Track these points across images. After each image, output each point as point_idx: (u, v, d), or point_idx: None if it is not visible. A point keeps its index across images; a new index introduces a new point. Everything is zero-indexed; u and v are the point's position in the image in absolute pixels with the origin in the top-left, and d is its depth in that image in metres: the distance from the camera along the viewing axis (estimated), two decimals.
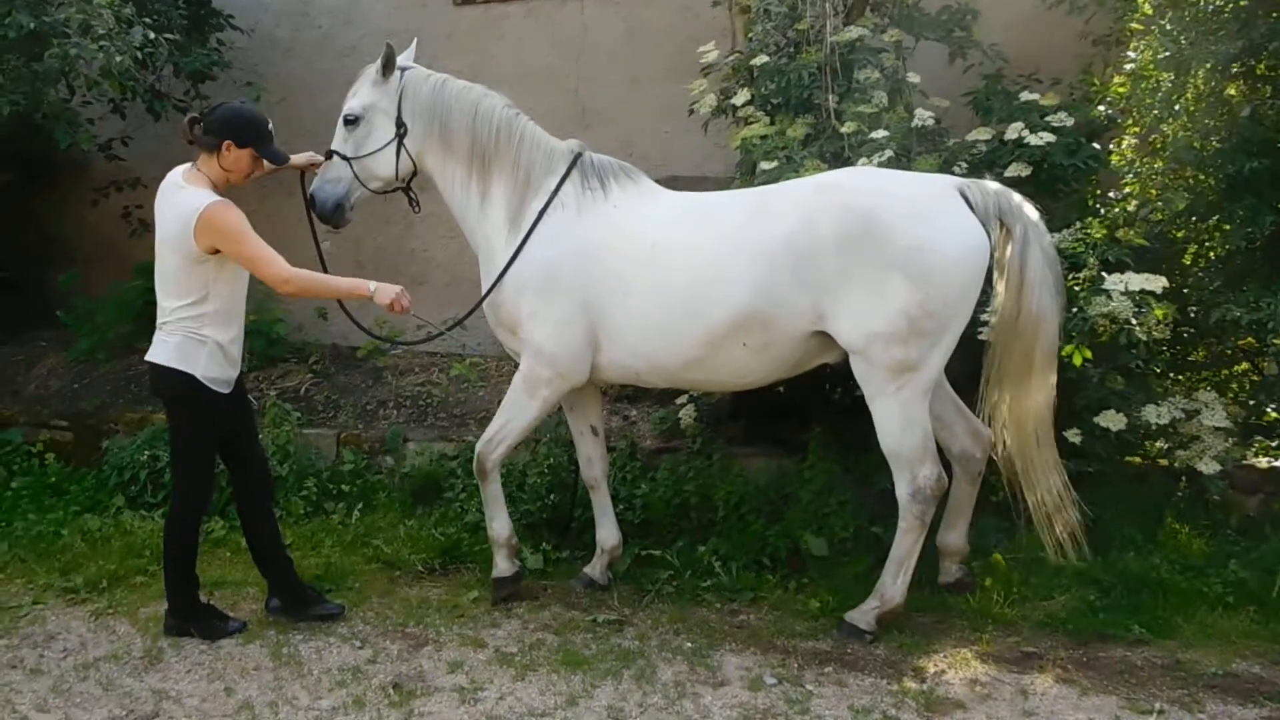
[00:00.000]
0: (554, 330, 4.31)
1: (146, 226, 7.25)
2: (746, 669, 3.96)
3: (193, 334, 4.04)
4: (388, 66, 4.40)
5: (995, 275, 4.02)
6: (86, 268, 7.70)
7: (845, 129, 4.82)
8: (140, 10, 6.27)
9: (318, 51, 7.56)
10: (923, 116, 4.81)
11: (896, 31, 5.08)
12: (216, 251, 3.97)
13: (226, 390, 4.16)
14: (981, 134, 4.88)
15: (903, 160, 4.77)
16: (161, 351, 4.08)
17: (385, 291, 4.09)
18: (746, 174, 5.19)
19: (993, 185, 4.09)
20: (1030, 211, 4.00)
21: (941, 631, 4.24)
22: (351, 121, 4.44)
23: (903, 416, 3.97)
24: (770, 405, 5.30)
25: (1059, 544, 4.12)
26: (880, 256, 3.86)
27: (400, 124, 4.41)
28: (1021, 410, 4.06)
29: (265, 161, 4.18)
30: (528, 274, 4.33)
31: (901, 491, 4.05)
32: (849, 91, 4.96)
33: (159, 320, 4.13)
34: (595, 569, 4.75)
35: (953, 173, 4.79)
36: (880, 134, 4.69)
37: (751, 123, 5.08)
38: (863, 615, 4.18)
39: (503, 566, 4.60)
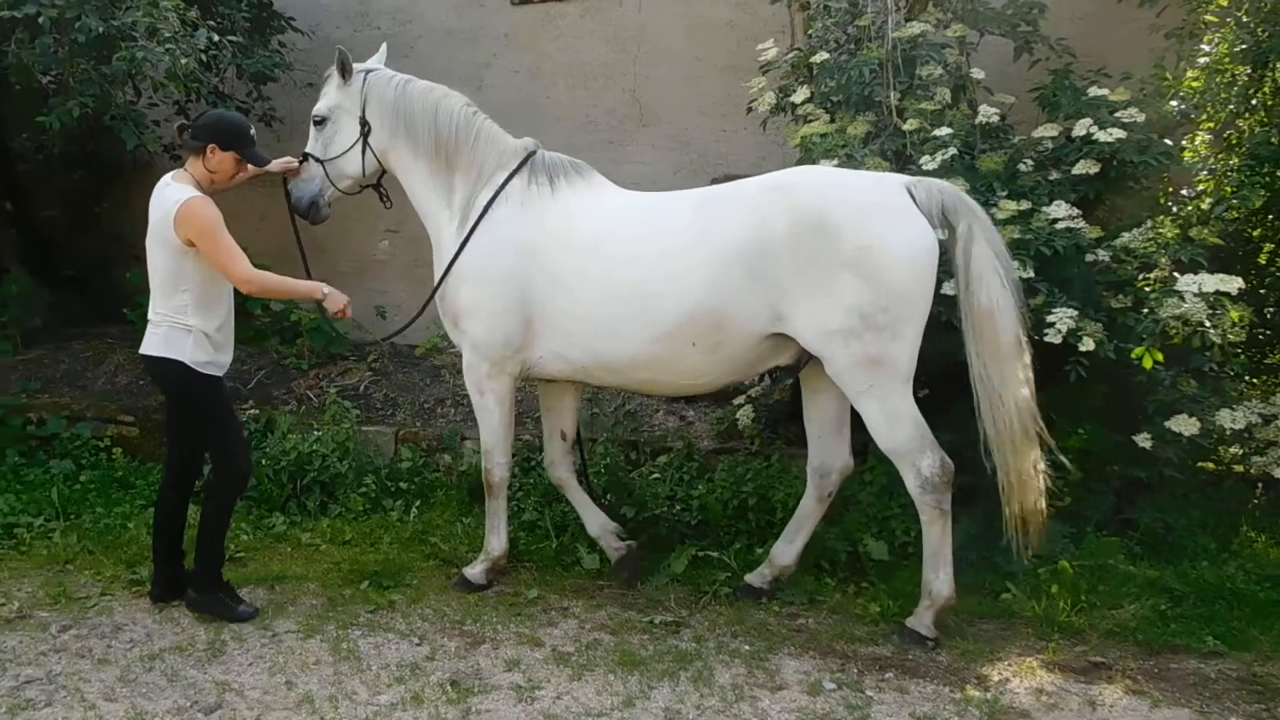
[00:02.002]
0: (489, 322, 4.43)
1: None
2: (805, 673, 3.91)
3: (178, 324, 4.26)
4: (344, 70, 4.58)
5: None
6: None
7: (907, 126, 4.75)
8: (205, 13, 6.39)
9: (376, 52, 7.62)
10: (987, 113, 4.73)
11: (960, 26, 4.99)
12: (192, 244, 4.19)
13: (219, 372, 4.38)
14: (1048, 130, 4.78)
15: (965, 158, 4.69)
16: (151, 343, 4.31)
17: (335, 299, 4.40)
18: None
19: (938, 183, 4.07)
20: (976, 208, 3.99)
21: (1005, 639, 4.16)
22: (319, 122, 4.67)
23: (886, 413, 3.97)
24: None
25: (1025, 545, 4.04)
26: (830, 257, 3.89)
27: (364, 123, 4.59)
28: (995, 405, 3.96)
29: (248, 164, 4.42)
30: (467, 265, 4.47)
31: (911, 485, 4.03)
32: (911, 88, 4.88)
33: (149, 315, 4.35)
34: (610, 541, 4.81)
35: (1017, 170, 4.71)
36: (943, 131, 4.62)
37: (811, 120, 5.02)
38: (919, 620, 4.14)
39: (478, 574, 4.71)
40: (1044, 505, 4.03)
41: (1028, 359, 3.95)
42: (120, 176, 7.91)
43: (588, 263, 4.25)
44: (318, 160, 4.66)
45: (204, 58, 6.05)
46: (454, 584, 4.73)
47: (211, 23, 6.33)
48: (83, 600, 4.58)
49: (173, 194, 4.22)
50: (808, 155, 4.90)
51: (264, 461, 5.77)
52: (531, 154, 4.55)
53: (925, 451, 3.98)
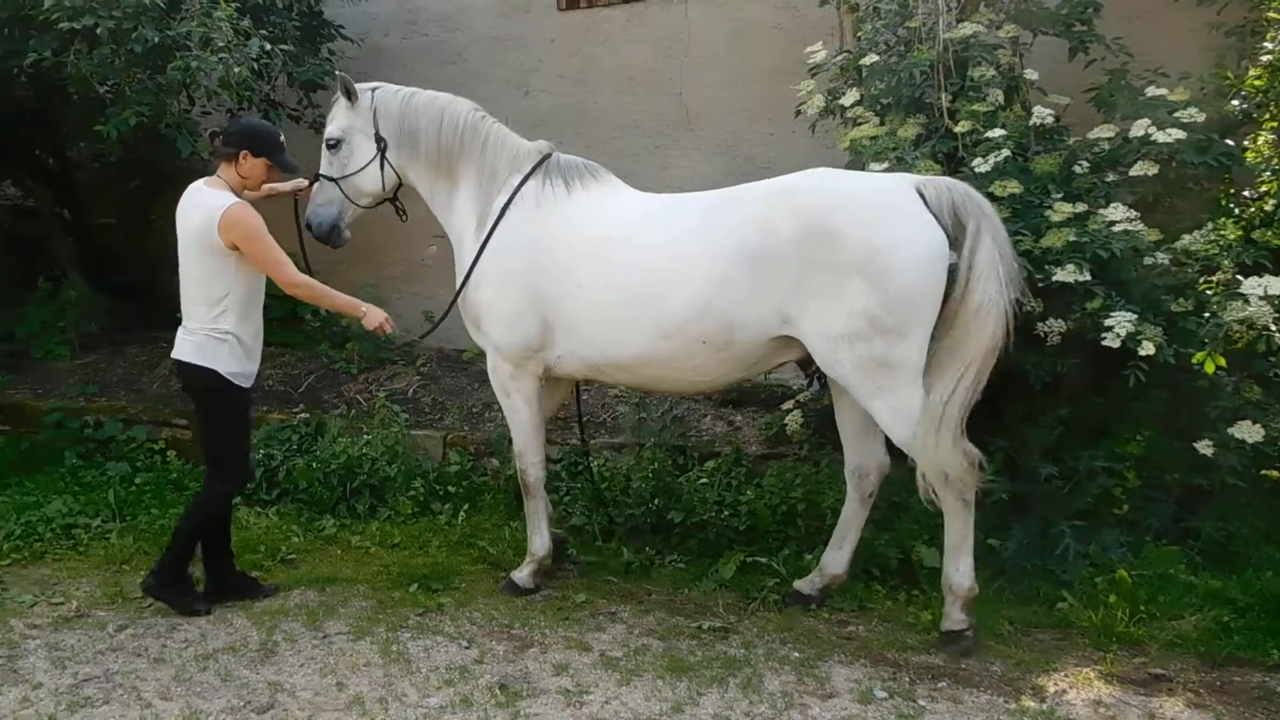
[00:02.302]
0: (508, 322, 4.48)
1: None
2: (856, 681, 3.86)
3: (213, 332, 4.34)
4: (349, 93, 4.65)
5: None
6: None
7: (959, 128, 4.69)
8: (257, 22, 6.47)
9: (424, 59, 7.71)
10: (1041, 114, 4.65)
11: (1013, 27, 4.91)
12: (236, 248, 4.27)
13: (248, 384, 4.46)
14: (1104, 131, 4.69)
15: (1019, 159, 4.62)
16: (185, 349, 4.38)
17: (374, 315, 4.51)
18: None
19: (949, 181, 4.03)
20: (986, 207, 3.95)
21: (1062, 649, 4.08)
22: (333, 145, 4.70)
23: (896, 410, 3.93)
24: None
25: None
26: (836, 261, 3.88)
27: (379, 139, 4.64)
28: (933, 396, 3.87)
29: (279, 171, 4.54)
30: (487, 267, 4.51)
31: (932, 478, 3.98)
32: (963, 90, 4.82)
33: (183, 319, 4.42)
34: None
35: (1073, 172, 4.63)
36: (996, 133, 4.55)
37: (860, 123, 4.98)
38: (949, 619, 4.09)
39: (524, 578, 4.73)
40: (948, 497, 3.96)
41: (987, 370, 3.87)
42: (174, 184, 7.96)
43: (599, 263, 4.29)
44: (333, 181, 4.70)
45: (256, 66, 6.14)
46: (502, 588, 4.74)
47: (264, 32, 6.42)
48: (138, 600, 4.65)
49: (213, 199, 4.31)
50: (857, 158, 4.86)
51: (314, 465, 5.84)
52: (546, 156, 4.59)
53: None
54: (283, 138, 4.55)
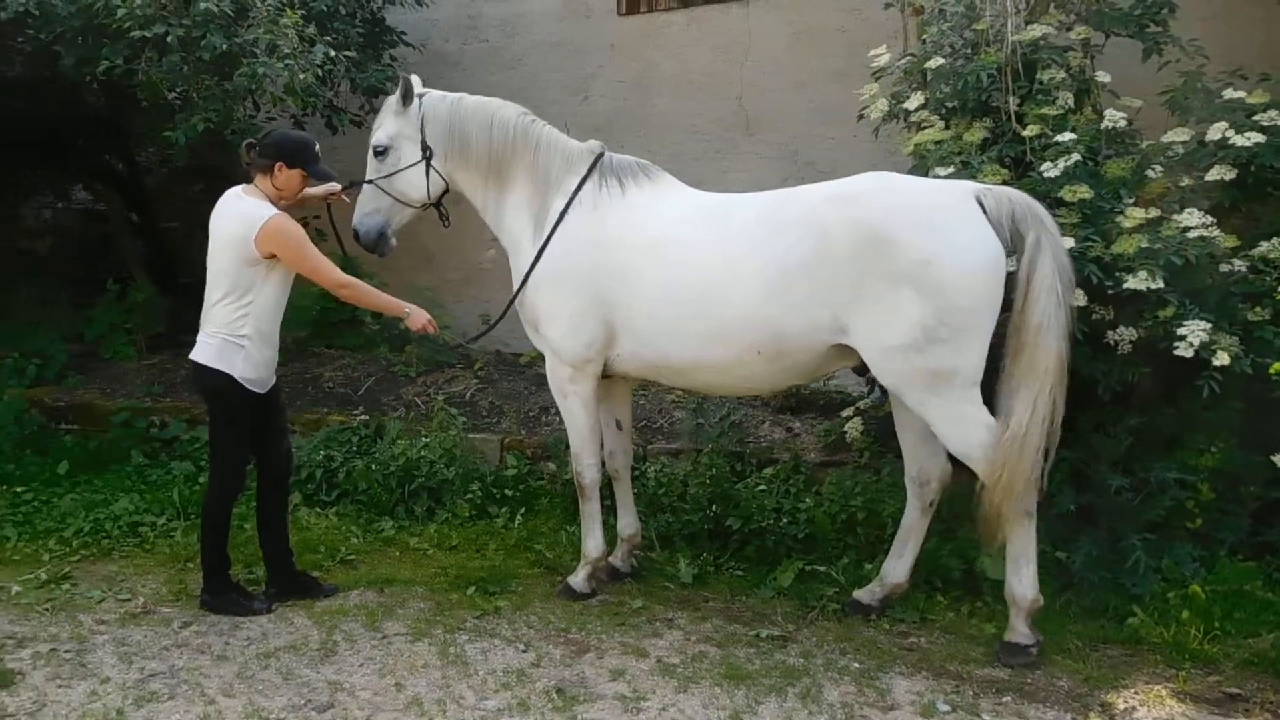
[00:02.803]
0: (569, 325, 4.46)
1: (322, 235, 7.58)
2: (918, 694, 3.79)
3: (232, 337, 4.39)
4: (406, 96, 4.62)
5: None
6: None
7: (1027, 132, 4.59)
8: (321, 29, 6.57)
9: (484, 64, 7.77)
10: (1113, 117, 4.54)
11: (1084, 28, 4.80)
12: (273, 256, 4.34)
13: (261, 390, 4.50)
14: (1179, 135, 4.57)
15: (1089, 164, 4.52)
16: (203, 352, 4.44)
17: (418, 316, 4.61)
18: None
19: (1010, 191, 3.97)
20: (1046, 218, 3.88)
21: (1131, 665, 3.98)
22: (381, 152, 4.67)
23: (952, 419, 3.88)
24: None
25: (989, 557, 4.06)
26: (890, 271, 3.83)
27: (425, 147, 4.62)
28: (1011, 421, 3.82)
29: (313, 181, 4.57)
30: (546, 270, 4.49)
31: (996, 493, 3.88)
32: (1031, 93, 4.72)
33: (203, 321, 4.48)
34: (617, 557, 4.92)
35: (1145, 177, 4.52)
36: (1066, 137, 4.45)
37: (925, 127, 4.90)
38: (1013, 630, 4.02)
39: (580, 582, 4.72)
40: (1012, 510, 3.88)
41: (1063, 383, 3.82)
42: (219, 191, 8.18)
43: (654, 263, 4.27)
44: (380, 189, 4.68)
45: (320, 72, 6.23)
46: (558, 592, 4.74)
47: (328, 39, 6.51)
48: (199, 599, 4.70)
49: (251, 209, 4.37)
50: (921, 163, 4.79)
51: (373, 467, 5.88)
52: (599, 156, 4.57)
53: None
54: (317, 147, 4.56)
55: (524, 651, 4.18)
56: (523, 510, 5.65)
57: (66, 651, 4.20)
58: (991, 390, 3.94)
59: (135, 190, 8.86)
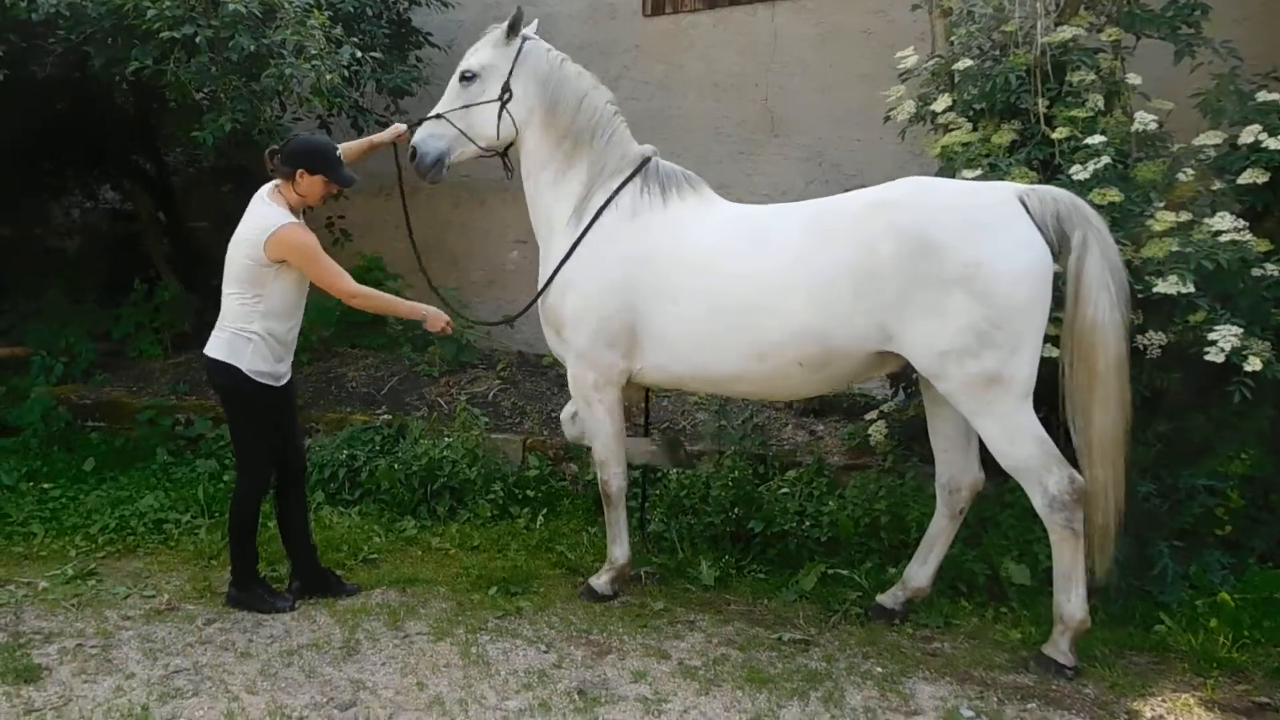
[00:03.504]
0: (593, 330, 4.39)
1: (349, 236, 7.65)
2: (941, 699, 3.76)
3: (241, 331, 4.44)
4: (514, 28, 4.50)
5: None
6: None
7: (1056, 134, 4.56)
8: (348, 30, 6.60)
9: None
10: (1144, 120, 4.49)
11: (1115, 30, 4.76)
12: (283, 262, 4.38)
13: (274, 383, 4.52)
14: (1211, 138, 4.52)
15: (1119, 166, 4.48)
16: (214, 346, 4.50)
17: (436, 319, 4.61)
18: None
19: (1054, 191, 3.91)
20: (1093, 217, 3.84)
21: (1159, 673, 3.93)
22: (468, 78, 4.54)
23: (1006, 430, 3.82)
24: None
25: (1101, 569, 3.90)
26: (938, 276, 3.78)
27: (506, 89, 4.49)
28: (1090, 428, 3.81)
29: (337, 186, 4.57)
30: (575, 273, 4.43)
31: (1038, 505, 3.84)
32: (1060, 95, 4.68)
33: (219, 317, 4.52)
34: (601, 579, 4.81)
35: (1176, 180, 4.47)
36: (1096, 139, 4.41)
37: (952, 129, 4.87)
38: (1055, 647, 3.96)
39: (603, 584, 4.70)
40: (1113, 527, 3.84)
41: (1127, 380, 3.79)
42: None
43: (694, 277, 4.21)
44: (452, 123, 4.55)
45: (346, 73, 6.26)
46: (580, 593, 4.73)
47: (354, 39, 6.55)
48: (226, 595, 4.73)
49: (268, 215, 4.41)
50: (949, 165, 4.76)
51: (396, 466, 5.90)
52: (647, 161, 4.52)
53: (1051, 468, 3.79)
54: (339, 151, 4.55)
55: (545, 652, 4.17)
56: (545, 511, 5.66)
57: (92, 647, 4.23)
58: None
59: (163, 190, 8.94)
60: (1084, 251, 3.76)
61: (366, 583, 4.89)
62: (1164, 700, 3.72)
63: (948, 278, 3.77)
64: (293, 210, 4.48)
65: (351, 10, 6.87)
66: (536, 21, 4.80)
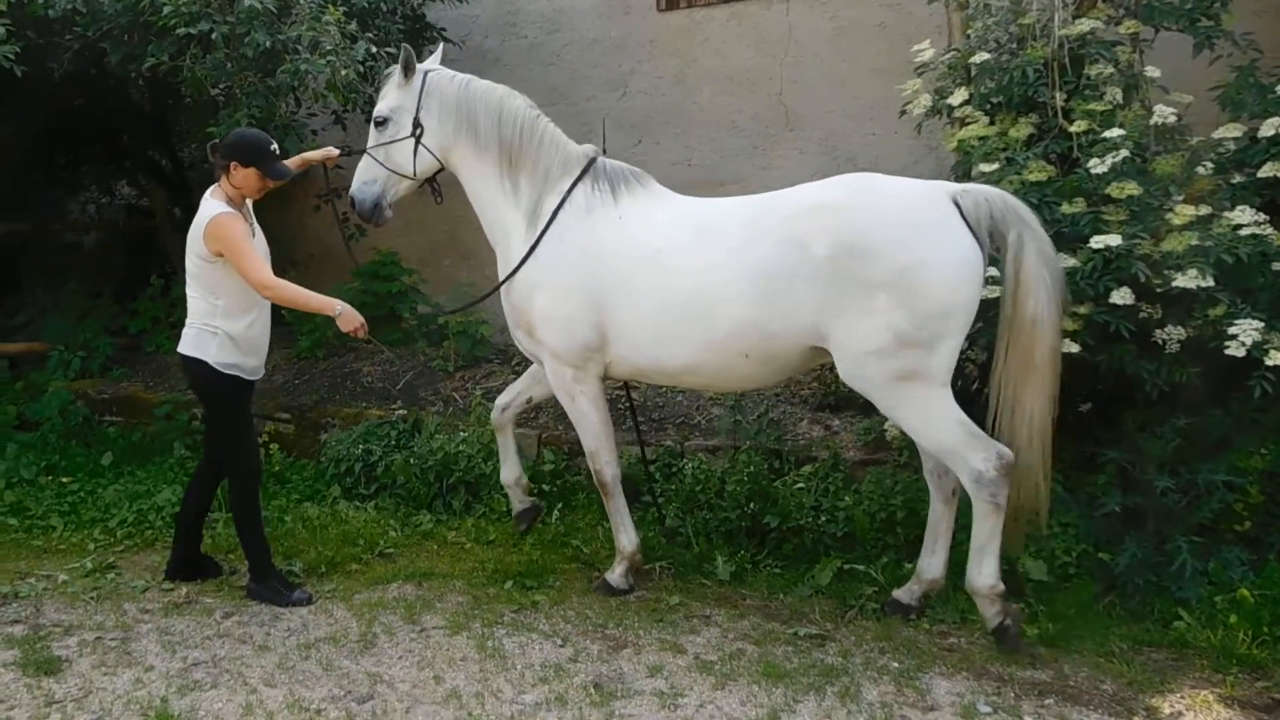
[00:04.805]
0: (563, 328, 4.48)
1: (363, 231, 7.65)
2: (958, 695, 3.75)
3: (205, 326, 4.56)
4: (407, 69, 4.62)
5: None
6: (306, 271, 8.16)
7: (1074, 128, 4.53)
8: (363, 26, 6.61)
9: (524, 61, 7.79)
10: (1163, 113, 4.46)
11: (1133, 23, 4.72)
12: (221, 256, 4.47)
13: (245, 376, 4.64)
14: (1231, 131, 4.49)
15: (1138, 160, 4.45)
16: (183, 343, 4.64)
17: (349, 318, 4.55)
18: (962, 176, 4.96)
19: (988, 191, 4.01)
20: (1027, 215, 3.93)
21: (1177, 670, 3.91)
22: (380, 123, 4.70)
23: (924, 417, 3.97)
24: (983, 420, 5.05)
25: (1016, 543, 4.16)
26: (868, 279, 3.89)
27: (417, 124, 4.62)
28: (1019, 415, 3.95)
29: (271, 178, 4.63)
30: (539, 273, 4.51)
31: (966, 482, 3.97)
32: (1078, 89, 4.65)
33: (188, 314, 4.65)
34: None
35: (1195, 173, 4.45)
36: (1114, 133, 4.38)
37: (969, 123, 4.84)
38: (985, 617, 4.11)
39: (617, 578, 4.74)
40: (1043, 511, 4.08)
41: (1058, 371, 3.93)
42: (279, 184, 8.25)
43: (648, 274, 4.30)
44: (377, 161, 4.70)
45: (361, 69, 6.26)
46: (596, 588, 4.74)
47: (369, 35, 6.55)
48: (244, 588, 4.77)
49: (206, 209, 4.53)
50: (966, 159, 4.74)
51: (411, 461, 5.92)
52: (592, 160, 4.59)
53: (975, 447, 3.91)
54: (274, 147, 4.61)
55: (561, 646, 4.18)
56: (560, 505, 5.66)
57: (111, 639, 4.26)
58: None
59: (179, 186, 8.96)
60: (1020, 250, 3.85)
61: (383, 577, 4.92)
62: (1183, 697, 3.70)
63: (877, 281, 3.87)
64: (232, 204, 4.55)
65: (366, 6, 6.87)
66: (441, 49, 4.95)
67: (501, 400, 5.04)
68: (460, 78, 4.69)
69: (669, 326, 4.28)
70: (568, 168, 4.56)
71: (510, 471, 5.04)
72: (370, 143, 4.74)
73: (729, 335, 4.16)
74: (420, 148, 4.64)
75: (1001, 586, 4.03)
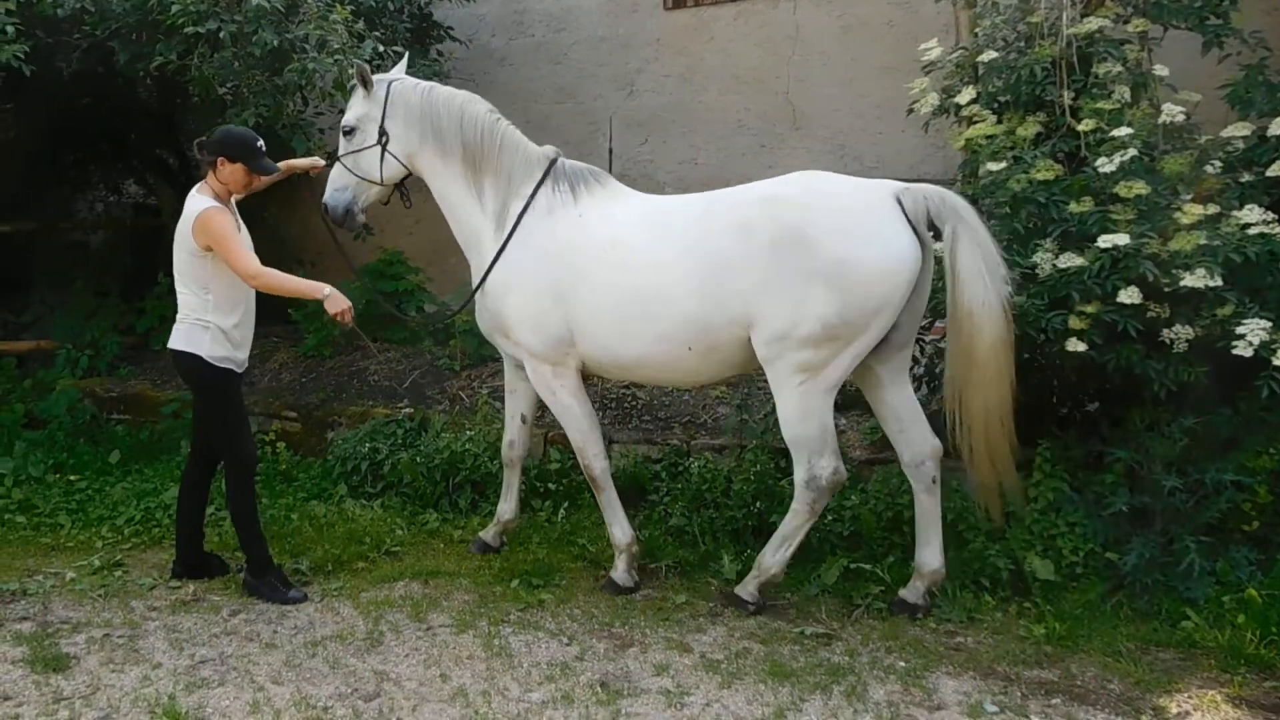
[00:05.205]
0: (535, 325, 4.61)
1: (371, 230, 7.66)
2: (965, 694, 3.75)
3: (198, 321, 4.60)
4: (365, 83, 4.81)
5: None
6: (313, 269, 8.18)
7: (1082, 127, 4.51)
8: (370, 25, 6.62)
9: (530, 59, 7.79)
10: (1171, 112, 4.45)
11: (1142, 21, 4.71)
12: (210, 250, 4.51)
13: (236, 368, 4.70)
14: (1239, 130, 4.47)
15: (1145, 159, 4.43)
16: (175, 339, 4.68)
17: (336, 300, 4.57)
18: (969, 175, 4.96)
19: (926, 188, 4.15)
20: (962, 209, 4.07)
21: (1185, 670, 3.90)
22: (348, 132, 4.88)
23: (802, 408, 4.17)
24: None
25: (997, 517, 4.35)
26: (806, 267, 4.02)
27: (382, 132, 4.78)
28: (970, 407, 4.09)
29: (259, 174, 4.73)
30: (509, 276, 4.65)
31: (798, 477, 4.25)
32: (1086, 87, 4.64)
33: (178, 311, 4.69)
34: (489, 534, 5.22)
35: (1204, 172, 4.43)
36: (1122, 131, 4.36)
37: (976, 122, 4.83)
38: (744, 587, 4.47)
39: (621, 575, 4.77)
40: (1004, 486, 4.25)
41: (1009, 361, 4.02)
42: (287, 183, 8.22)
43: (603, 267, 4.44)
44: (348, 169, 4.87)
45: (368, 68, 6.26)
46: (602, 587, 4.75)
47: (376, 34, 6.56)
48: (242, 581, 4.76)
49: (193, 205, 4.57)
50: (973, 158, 4.73)
51: (418, 459, 5.92)
52: (554, 162, 4.71)
53: (824, 454, 4.19)
54: (260, 143, 4.68)
55: (568, 645, 4.19)
56: (566, 504, 5.66)
57: (119, 637, 4.28)
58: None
59: (187, 184, 8.85)
60: (955, 243, 3.99)
61: (389, 575, 4.93)
62: (1190, 696, 3.69)
63: (814, 271, 4.01)
64: (219, 200, 4.61)
65: (374, 4, 6.89)
66: (406, 59, 5.12)
67: (505, 437, 5.21)
68: (423, 85, 4.86)
69: (624, 321, 4.41)
70: (529, 170, 4.70)
71: (507, 508, 5.22)
72: (340, 151, 4.92)
73: (675, 325, 4.28)
74: (387, 155, 4.80)
75: (781, 576, 4.44)
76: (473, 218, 4.80)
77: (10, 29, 5.73)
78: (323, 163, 5.14)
